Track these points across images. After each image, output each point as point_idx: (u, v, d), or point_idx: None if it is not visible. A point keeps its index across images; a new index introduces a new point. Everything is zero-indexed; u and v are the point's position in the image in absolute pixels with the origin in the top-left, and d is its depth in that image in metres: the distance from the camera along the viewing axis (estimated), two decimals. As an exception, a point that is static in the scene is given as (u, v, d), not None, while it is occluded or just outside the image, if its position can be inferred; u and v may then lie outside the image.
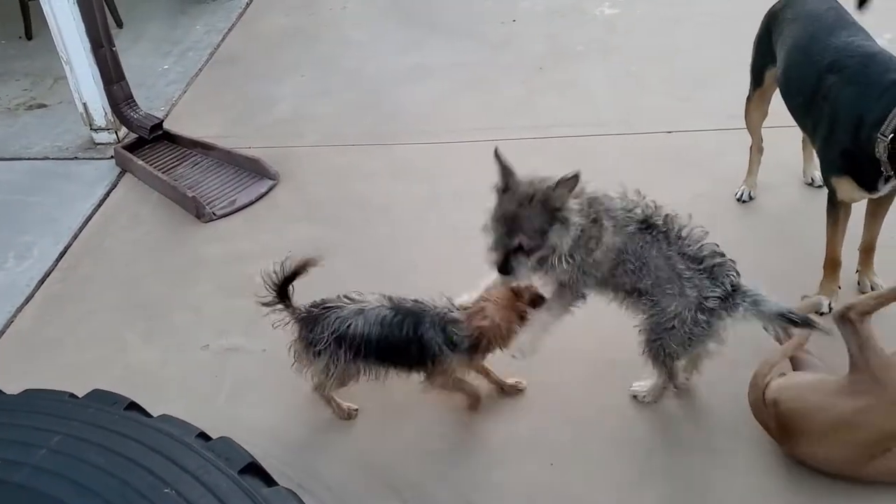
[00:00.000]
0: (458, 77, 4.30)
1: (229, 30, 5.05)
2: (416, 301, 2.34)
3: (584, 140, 3.71)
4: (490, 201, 2.21)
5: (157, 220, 3.47)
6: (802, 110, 2.69)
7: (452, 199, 3.42)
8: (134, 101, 3.89)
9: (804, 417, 2.14)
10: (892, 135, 2.23)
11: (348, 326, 2.26)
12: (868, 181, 2.42)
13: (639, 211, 2.24)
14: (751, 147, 3.25)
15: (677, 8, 4.74)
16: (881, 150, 2.27)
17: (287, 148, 3.81)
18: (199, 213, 3.40)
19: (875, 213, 2.69)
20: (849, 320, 2.10)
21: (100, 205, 3.60)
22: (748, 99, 3.16)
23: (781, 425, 2.18)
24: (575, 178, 2.11)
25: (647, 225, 2.22)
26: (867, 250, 2.78)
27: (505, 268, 2.15)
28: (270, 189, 3.54)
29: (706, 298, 2.18)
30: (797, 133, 3.24)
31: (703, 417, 2.41)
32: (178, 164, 3.74)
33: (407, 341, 2.26)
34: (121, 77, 3.82)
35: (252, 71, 4.58)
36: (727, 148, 3.51)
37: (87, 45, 3.69)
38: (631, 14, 4.73)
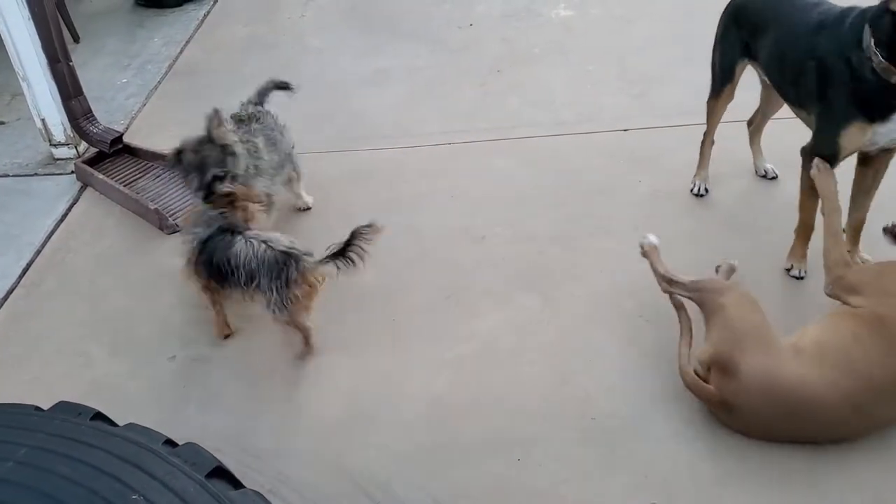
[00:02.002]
0: (417, 81, 4.34)
1: (187, 41, 5.05)
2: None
3: (544, 140, 3.77)
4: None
5: (120, 234, 3.46)
6: (795, 81, 2.70)
7: (413, 202, 3.46)
8: (93, 115, 3.88)
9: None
10: (876, 48, 2.32)
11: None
12: (879, 110, 2.44)
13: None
14: (703, 141, 3.31)
15: (630, 8, 4.83)
16: (878, 62, 2.32)
17: (249, 157, 3.82)
18: (162, 224, 3.40)
19: (867, 187, 2.75)
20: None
21: (62, 220, 3.58)
22: (715, 94, 3.18)
23: (720, 371, 2.30)
24: (215, 114, 2.93)
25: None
26: (856, 228, 2.84)
27: (209, 196, 2.79)
28: (233, 199, 3.55)
29: None
30: (744, 128, 3.35)
31: (668, 407, 2.46)
32: (139, 177, 3.74)
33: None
34: (79, 92, 3.81)
35: (211, 81, 4.58)
36: (681, 144, 3.58)
37: (44, 60, 3.67)
38: (585, 15, 4.81)
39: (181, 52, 4.93)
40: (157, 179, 3.71)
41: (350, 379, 2.67)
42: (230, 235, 2.65)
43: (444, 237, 3.25)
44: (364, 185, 3.60)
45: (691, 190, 3.33)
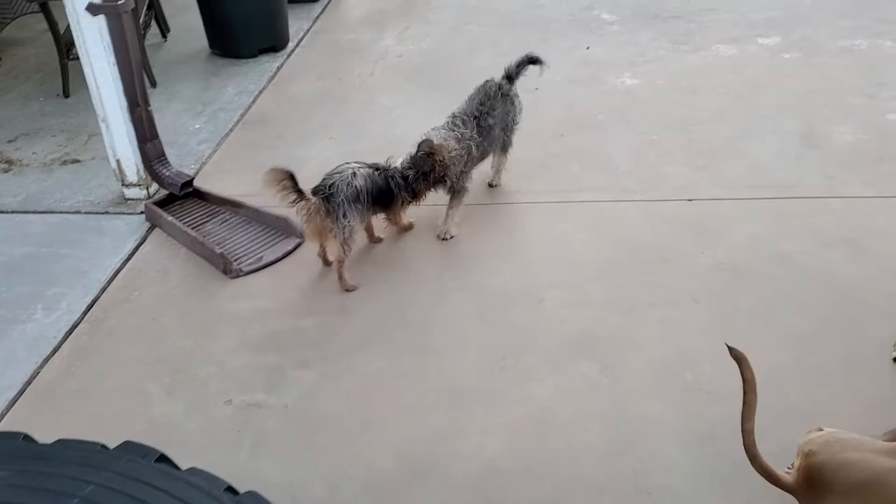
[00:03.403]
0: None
1: (260, 92, 5.20)
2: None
3: (605, 205, 3.77)
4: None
5: (184, 275, 3.54)
6: None
7: (472, 260, 3.48)
8: (166, 158, 4.00)
9: (839, 470, 2.11)
10: None
11: (352, 185, 3.25)
12: None
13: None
14: None
15: (694, 80, 4.85)
16: None
17: (314, 207, 3.90)
18: (227, 269, 3.47)
19: None
20: None
21: (129, 259, 3.67)
22: None
23: (810, 478, 2.15)
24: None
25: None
26: None
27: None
28: (297, 247, 3.61)
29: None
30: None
31: (727, 488, 2.40)
32: (206, 221, 3.83)
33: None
34: (154, 135, 3.94)
35: (281, 132, 4.70)
36: (745, 217, 3.56)
37: (125, 104, 3.82)
38: (650, 85, 4.84)
39: (253, 101, 5.08)
40: (224, 224, 3.80)
41: (404, 435, 2.66)
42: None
43: (502, 297, 3.25)
44: (421, 240, 3.63)
45: (894, 359, 2.78)
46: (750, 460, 2.14)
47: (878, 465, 2.04)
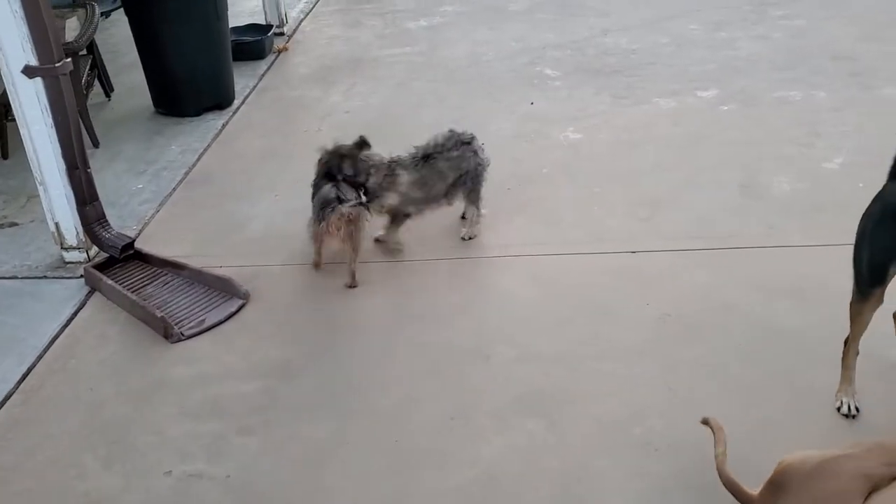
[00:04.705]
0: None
1: (205, 150, 5.15)
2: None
3: (551, 258, 3.79)
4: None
5: (124, 341, 3.44)
6: None
7: (419, 316, 3.45)
8: (106, 220, 3.92)
9: (798, 468, 2.15)
10: None
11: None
12: None
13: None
14: (845, 351, 2.80)
15: (635, 133, 4.94)
16: None
17: (258, 267, 3.85)
18: (167, 333, 3.38)
19: None
20: None
21: (67, 324, 3.57)
22: (862, 297, 2.66)
23: (773, 482, 2.18)
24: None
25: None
26: None
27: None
28: (240, 308, 3.55)
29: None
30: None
31: None
32: (148, 284, 3.75)
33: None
34: (94, 198, 3.87)
35: (226, 190, 4.65)
36: (688, 268, 3.61)
37: (63, 167, 3.74)
38: (593, 139, 4.92)
39: (198, 160, 5.03)
40: (166, 287, 3.72)
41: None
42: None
43: (450, 354, 3.23)
44: (370, 298, 3.60)
45: (838, 409, 2.79)
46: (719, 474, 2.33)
47: (830, 453, 2.13)
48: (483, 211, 4.00)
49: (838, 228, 3.74)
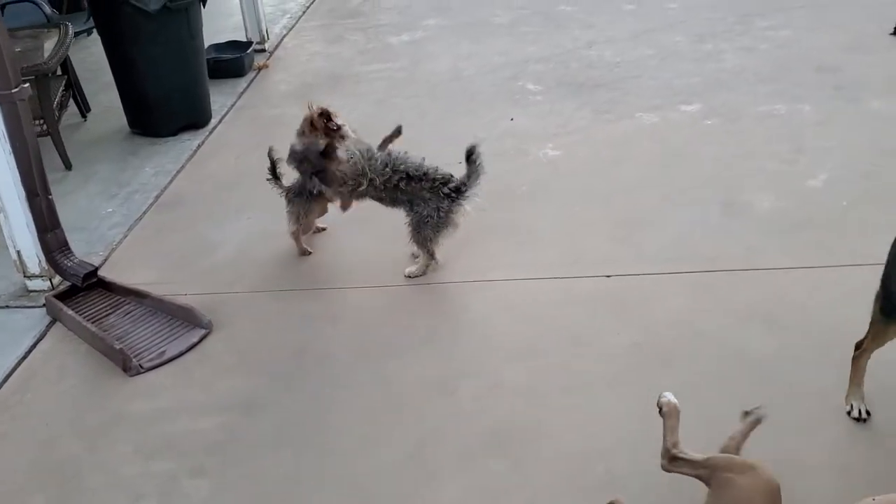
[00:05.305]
0: (400, 219, 4.30)
1: (178, 171, 5.06)
2: None
3: (523, 283, 3.69)
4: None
5: (82, 374, 3.35)
6: None
7: (384, 347, 3.36)
8: (68, 248, 3.83)
9: None
10: None
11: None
12: None
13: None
14: (858, 357, 2.75)
15: (616, 149, 4.84)
16: None
17: (224, 294, 3.75)
18: (126, 366, 3.29)
19: None
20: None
21: (25, 356, 3.48)
22: (887, 320, 2.59)
23: None
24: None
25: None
26: None
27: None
28: (202, 339, 3.45)
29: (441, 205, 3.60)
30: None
31: None
32: (110, 313, 3.66)
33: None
34: (56, 225, 3.78)
35: (197, 213, 4.56)
36: (663, 293, 3.51)
37: (23, 193, 3.66)
38: (573, 156, 4.82)
39: (170, 182, 4.94)
40: (128, 316, 3.63)
41: (301, 548, 2.50)
42: None
43: (415, 387, 3.13)
44: (338, 326, 3.51)
45: (848, 413, 2.77)
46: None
47: None
48: (437, 260, 3.75)
49: (819, 249, 3.70)
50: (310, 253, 4.00)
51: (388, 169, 3.66)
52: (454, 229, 3.69)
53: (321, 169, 3.69)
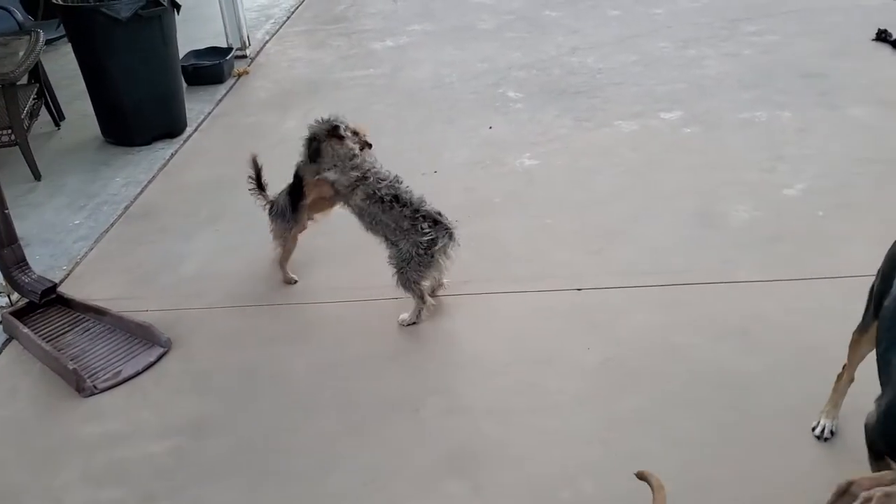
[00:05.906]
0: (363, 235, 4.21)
1: (149, 182, 4.97)
2: None
3: (492, 298, 3.59)
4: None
5: (34, 395, 3.25)
6: None
7: (351, 365, 3.26)
8: (26, 264, 3.73)
9: None
10: None
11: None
12: None
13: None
14: (840, 376, 2.66)
15: (594, 158, 4.75)
16: None
17: (185, 311, 3.65)
18: (80, 386, 3.19)
19: None
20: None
21: (-22, 377, 3.38)
22: (864, 328, 2.51)
23: None
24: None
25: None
26: None
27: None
28: (160, 357, 3.35)
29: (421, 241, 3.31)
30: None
31: None
32: (67, 331, 3.55)
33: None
34: (13, 240, 3.68)
35: (165, 225, 4.46)
36: (634, 307, 3.41)
37: (-22, 209, 3.57)
38: (550, 165, 4.72)
39: (140, 192, 4.84)
40: (86, 334, 3.53)
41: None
42: None
43: (377, 407, 3.03)
44: (301, 344, 3.41)
45: (813, 429, 2.70)
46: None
47: None
48: (427, 302, 3.43)
49: (793, 262, 3.61)
50: (295, 281, 3.79)
51: (386, 182, 3.44)
52: (439, 273, 3.44)
53: (322, 143, 3.47)
